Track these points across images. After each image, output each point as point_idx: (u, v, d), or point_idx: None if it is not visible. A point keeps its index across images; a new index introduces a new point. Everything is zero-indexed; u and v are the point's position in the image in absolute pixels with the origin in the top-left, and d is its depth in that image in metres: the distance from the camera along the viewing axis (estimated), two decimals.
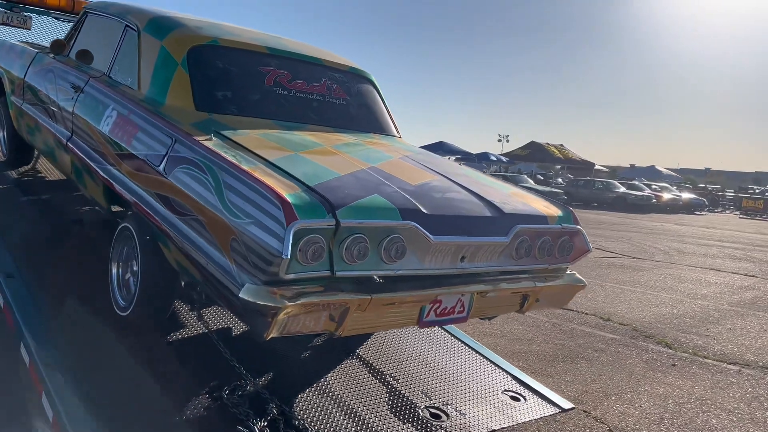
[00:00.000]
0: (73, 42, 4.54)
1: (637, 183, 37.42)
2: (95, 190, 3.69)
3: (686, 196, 36.35)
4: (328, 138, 3.46)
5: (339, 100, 3.93)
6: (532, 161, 46.96)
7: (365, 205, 2.50)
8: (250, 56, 3.69)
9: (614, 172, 58.36)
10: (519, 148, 45.31)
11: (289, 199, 2.32)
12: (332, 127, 3.72)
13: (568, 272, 3.36)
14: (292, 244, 2.23)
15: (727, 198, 43.26)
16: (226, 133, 3.04)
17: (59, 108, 4.11)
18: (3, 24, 6.68)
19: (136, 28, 3.74)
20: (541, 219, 3.12)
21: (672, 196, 34.51)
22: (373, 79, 4.30)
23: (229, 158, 2.67)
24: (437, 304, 2.81)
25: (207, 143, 2.85)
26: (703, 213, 34.76)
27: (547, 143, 45.48)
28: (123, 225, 3.32)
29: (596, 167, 48.30)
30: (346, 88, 4.03)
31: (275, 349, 3.53)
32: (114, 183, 3.31)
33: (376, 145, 3.63)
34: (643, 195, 32.50)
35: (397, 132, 4.21)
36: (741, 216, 35.07)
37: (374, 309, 2.55)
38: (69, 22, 7.12)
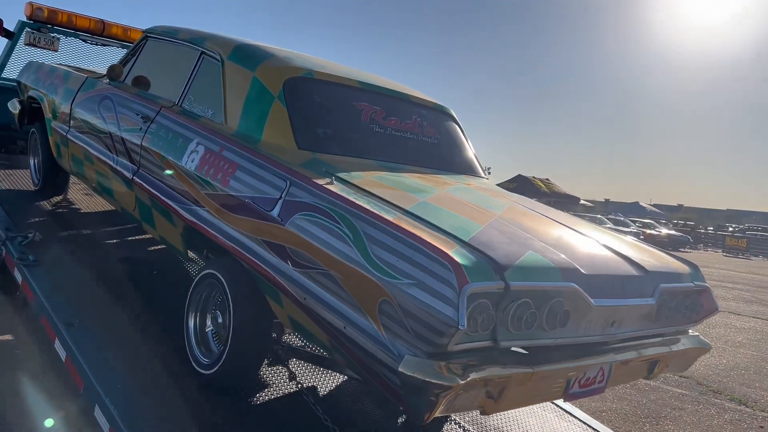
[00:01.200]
0: (130, 68, 4.25)
1: (623, 219, 37.66)
2: (170, 231, 3.37)
3: (670, 232, 36.63)
4: (435, 180, 3.20)
5: (431, 138, 3.69)
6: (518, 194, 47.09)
7: (528, 265, 2.23)
8: (345, 91, 3.44)
9: (604, 206, 58.65)
10: (506, 181, 45.55)
11: (458, 259, 2.05)
12: (428, 167, 3.46)
13: (692, 333, 3.12)
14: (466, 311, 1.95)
15: (708, 235, 43.76)
16: (341, 175, 2.76)
17: (121, 139, 3.79)
18: (30, 45, 6.33)
19: (218, 57, 3.47)
20: (678, 276, 2.88)
21: (656, 233, 34.73)
22: (455, 115, 4.06)
23: (367, 206, 2.39)
24: (583, 375, 2.53)
25: (330, 187, 2.57)
26: (687, 250, 35.02)
27: (534, 177, 45.84)
28: (207, 272, 3.00)
29: (581, 202, 48.72)
30: (435, 125, 3.79)
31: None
32: (203, 226, 3.00)
33: (480, 189, 3.38)
34: (630, 231, 32.65)
35: (483, 172, 3.97)
36: (725, 254, 35.40)
37: (532, 383, 2.27)
38: (96, 45, 6.81)
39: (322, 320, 2.37)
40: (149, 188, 3.44)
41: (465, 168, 3.77)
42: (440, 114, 3.92)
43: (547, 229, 2.80)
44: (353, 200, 2.44)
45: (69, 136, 4.42)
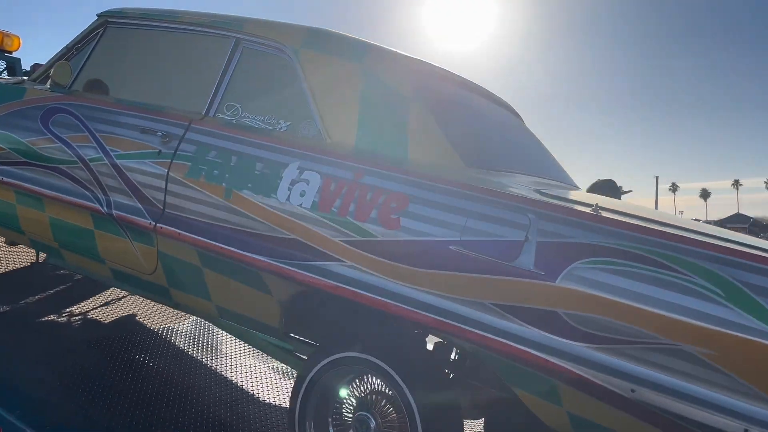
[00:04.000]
0: (78, 69, 2.94)
1: None
2: (251, 300, 2.29)
3: None
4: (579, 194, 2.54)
5: (530, 140, 3.02)
6: None
7: None
8: (459, 89, 2.63)
9: None
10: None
11: None
12: (545, 176, 2.76)
13: None
14: None
15: None
16: (576, 197, 1.99)
17: (115, 169, 2.55)
18: None
19: (279, 47, 2.45)
20: None
21: None
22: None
23: (721, 244, 1.67)
24: None
25: (614, 218, 1.79)
26: None
27: None
28: (349, 355, 2.05)
29: None
30: (520, 127, 3.12)
31: None
32: (348, 288, 2.00)
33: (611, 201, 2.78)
34: None
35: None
36: None
37: None
38: None
39: (678, 422, 1.59)
40: (199, 238, 2.30)
41: (560, 175, 3.12)
42: (515, 115, 3.25)
43: None
44: (691, 238, 1.69)
45: None
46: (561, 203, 1.87)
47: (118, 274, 2.69)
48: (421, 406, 1.91)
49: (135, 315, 3.61)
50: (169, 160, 2.43)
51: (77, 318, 3.35)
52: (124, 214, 2.50)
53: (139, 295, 2.90)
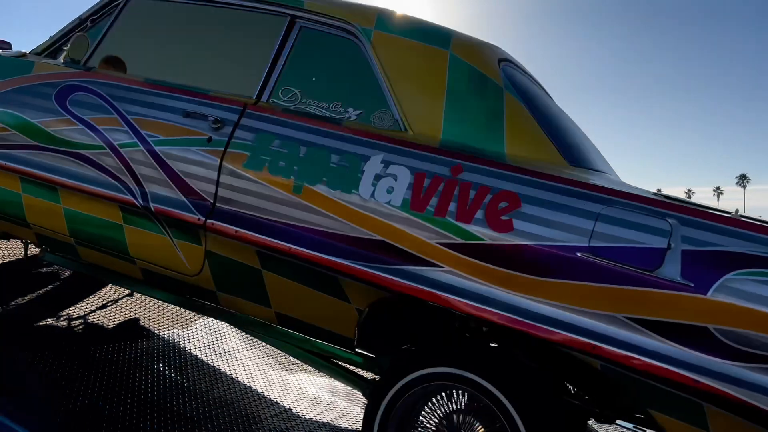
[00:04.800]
0: (95, 42, 2.62)
1: None
2: (324, 307, 2.05)
3: None
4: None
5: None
6: None
7: None
8: (526, 77, 2.46)
9: None
10: None
11: None
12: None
13: None
14: None
15: None
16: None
17: (154, 158, 2.25)
18: None
19: (346, 27, 2.22)
20: None
21: None
22: None
23: None
24: None
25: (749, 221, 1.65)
26: None
27: None
28: (440, 371, 1.84)
29: None
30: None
31: None
32: (447, 296, 1.79)
33: None
34: None
35: None
36: None
37: None
38: None
39: None
40: (261, 237, 2.03)
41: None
42: None
43: None
44: None
45: None
46: (705, 208, 1.71)
47: (149, 275, 2.39)
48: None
49: (138, 319, 3.28)
50: (222, 149, 2.16)
51: (77, 323, 3.00)
52: (165, 208, 2.20)
53: (164, 299, 2.59)
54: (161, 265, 2.31)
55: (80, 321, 3.02)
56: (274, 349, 3.30)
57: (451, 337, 2.02)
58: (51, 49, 2.74)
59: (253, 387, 2.87)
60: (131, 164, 2.29)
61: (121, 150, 2.30)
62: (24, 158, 2.49)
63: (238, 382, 2.87)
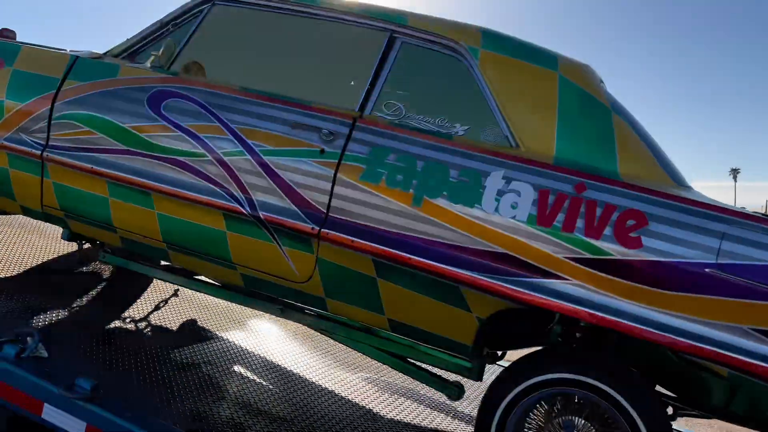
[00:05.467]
0: (179, 48, 2.63)
1: None
2: (447, 317, 2.13)
3: None
4: None
5: None
6: None
7: None
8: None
9: None
10: None
11: None
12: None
13: None
14: None
15: None
16: None
17: (263, 167, 2.30)
18: None
19: (451, 45, 2.31)
20: None
21: None
22: None
23: None
24: None
25: None
26: None
27: None
28: (565, 377, 1.97)
29: None
30: None
31: None
32: (573, 307, 1.91)
33: None
34: None
35: None
36: None
37: None
38: None
39: None
40: (379, 247, 2.11)
41: None
42: None
43: None
44: None
45: (54, 157, 2.57)
46: None
47: (251, 280, 2.43)
48: None
49: (195, 320, 3.29)
50: (336, 161, 2.22)
51: (143, 324, 3.00)
52: (276, 217, 2.25)
53: (259, 308, 2.63)
54: (267, 271, 2.35)
55: (145, 323, 3.02)
56: (330, 349, 3.41)
57: (571, 344, 2.14)
58: (130, 51, 2.72)
59: (330, 388, 2.93)
60: (237, 173, 2.32)
61: (226, 158, 2.33)
62: (113, 162, 2.49)
63: (314, 383, 2.93)
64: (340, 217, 2.19)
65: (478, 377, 2.39)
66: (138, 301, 3.34)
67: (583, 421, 2.00)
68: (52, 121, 2.60)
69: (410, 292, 2.15)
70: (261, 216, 2.27)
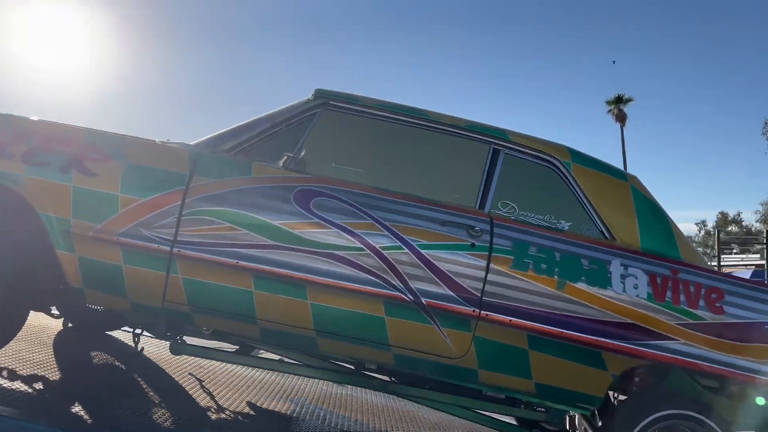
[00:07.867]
0: (297, 145, 2.90)
1: None
2: (585, 376, 2.69)
3: None
4: None
5: None
6: None
7: None
8: None
9: None
10: None
11: None
12: None
13: None
14: None
15: None
16: None
17: (420, 259, 2.66)
18: None
19: (548, 159, 2.95)
20: None
21: None
22: None
23: None
24: None
25: None
26: None
27: None
28: (675, 413, 2.69)
29: None
30: None
31: None
32: (685, 359, 2.64)
33: None
34: None
35: None
36: None
37: None
38: None
39: None
40: (532, 324, 2.63)
41: None
42: None
43: None
44: None
45: (188, 253, 2.62)
46: None
47: (403, 360, 2.72)
48: None
49: (285, 412, 3.35)
50: (487, 253, 2.68)
51: (242, 415, 3.03)
52: (437, 302, 2.62)
53: (404, 396, 2.91)
54: (421, 350, 2.69)
55: (243, 415, 3.04)
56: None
57: (679, 386, 2.84)
58: (243, 147, 2.86)
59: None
60: (395, 264, 2.65)
61: (384, 252, 2.65)
62: (261, 257, 2.62)
63: None
64: (493, 300, 2.65)
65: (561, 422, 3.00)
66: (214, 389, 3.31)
67: None
68: (183, 217, 2.64)
69: (556, 359, 2.68)
70: (423, 302, 2.63)
